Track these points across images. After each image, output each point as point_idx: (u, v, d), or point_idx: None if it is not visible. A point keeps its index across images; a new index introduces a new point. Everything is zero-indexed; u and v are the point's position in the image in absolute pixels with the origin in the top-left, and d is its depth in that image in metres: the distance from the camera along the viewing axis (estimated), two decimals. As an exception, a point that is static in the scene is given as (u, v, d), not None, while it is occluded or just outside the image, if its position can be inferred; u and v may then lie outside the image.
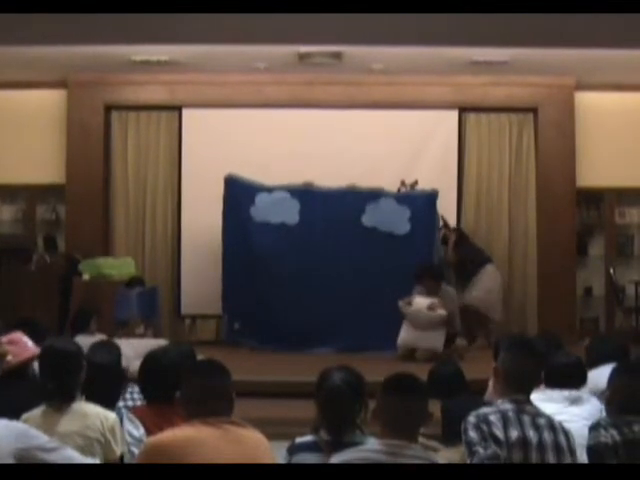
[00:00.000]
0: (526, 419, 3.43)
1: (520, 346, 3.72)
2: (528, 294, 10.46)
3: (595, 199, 10.68)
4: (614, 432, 3.61)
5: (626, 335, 9.53)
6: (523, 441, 3.37)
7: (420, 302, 8.74)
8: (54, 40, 8.21)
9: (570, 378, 4.60)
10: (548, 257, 10.33)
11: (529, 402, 3.54)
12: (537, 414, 3.49)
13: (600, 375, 4.66)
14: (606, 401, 3.92)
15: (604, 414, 4.25)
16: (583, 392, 4.63)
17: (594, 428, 3.71)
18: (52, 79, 10.17)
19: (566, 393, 4.46)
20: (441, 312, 8.67)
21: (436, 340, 8.61)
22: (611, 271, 10.46)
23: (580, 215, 10.62)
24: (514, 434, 3.37)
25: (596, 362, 5.20)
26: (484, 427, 3.38)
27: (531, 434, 3.39)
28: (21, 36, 8.01)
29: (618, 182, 10.44)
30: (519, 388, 3.53)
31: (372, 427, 3.54)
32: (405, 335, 8.72)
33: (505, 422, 3.40)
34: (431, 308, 8.68)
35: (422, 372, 4.32)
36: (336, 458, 3.24)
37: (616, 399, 3.79)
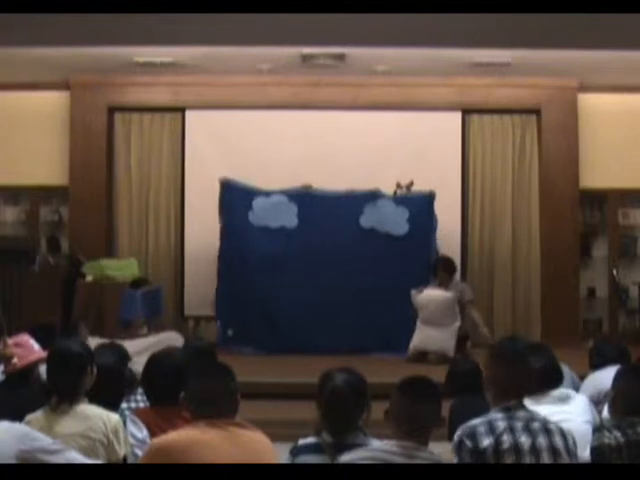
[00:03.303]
0: (518, 425, 3.36)
1: (503, 354, 3.68)
2: (531, 295, 10.45)
3: (598, 200, 10.66)
4: (618, 434, 3.61)
5: (629, 336, 9.55)
6: (515, 447, 3.31)
7: (431, 291, 8.85)
8: (57, 41, 8.22)
9: (550, 378, 4.53)
10: (551, 258, 10.32)
11: (522, 407, 3.48)
12: (531, 418, 3.42)
13: (604, 377, 4.66)
14: (610, 403, 3.91)
15: (604, 413, 4.25)
16: (568, 390, 4.62)
17: (598, 429, 3.71)
18: (55, 80, 10.17)
19: (556, 393, 4.43)
20: (449, 293, 8.76)
21: (446, 341, 8.60)
22: (614, 272, 10.45)
23: (583, 216, 10.60)
24: (505, 441, 3.32)
25: (599, 364, 5.20)
26: (468, 442, 3.33)
27: (523, 439, 3.32)
28: (24, 37, 8.02)
29: (621, 183, 10.43)
30: (508, 395, 3.47)
31: (376, 428, 3.54)
32: (416, 338, 8.73)
33: (494, 431, 3.35)
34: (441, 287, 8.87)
35: (431, 374, 4.29)
36: (346, 456, 3.24)
37: (620, 401, 3.79)
